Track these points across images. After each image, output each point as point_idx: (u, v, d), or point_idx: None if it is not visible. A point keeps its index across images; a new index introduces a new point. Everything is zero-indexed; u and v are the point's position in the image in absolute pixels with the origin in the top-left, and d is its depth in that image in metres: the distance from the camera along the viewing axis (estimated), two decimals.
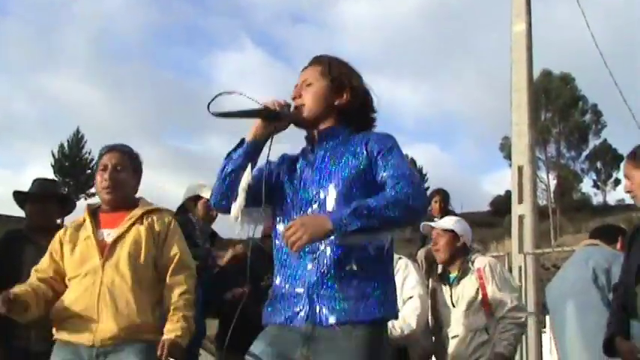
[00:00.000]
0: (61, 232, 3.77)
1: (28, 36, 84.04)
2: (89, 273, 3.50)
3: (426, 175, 56.45)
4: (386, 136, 2.70)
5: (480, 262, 4.60)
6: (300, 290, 2.56)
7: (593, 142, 52.55)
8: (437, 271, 8.20)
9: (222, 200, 2.72)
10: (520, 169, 8.95)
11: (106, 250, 3.52)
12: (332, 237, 2.44)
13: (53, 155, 50.72)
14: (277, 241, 2.72)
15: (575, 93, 50.61)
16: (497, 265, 4.64)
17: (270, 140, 2.69)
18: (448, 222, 4.91)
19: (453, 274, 4.68)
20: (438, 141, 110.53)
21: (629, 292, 3.50)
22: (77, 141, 51.60)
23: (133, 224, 3.60)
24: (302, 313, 2.54)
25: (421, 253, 8.58)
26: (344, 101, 2.74)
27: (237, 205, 2.65)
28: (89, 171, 51.00)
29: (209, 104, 2.50)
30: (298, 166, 2.77)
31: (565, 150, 52.03)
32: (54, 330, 3.57)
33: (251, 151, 2.69)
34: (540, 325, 8.58)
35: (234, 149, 2.73)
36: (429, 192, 9.45)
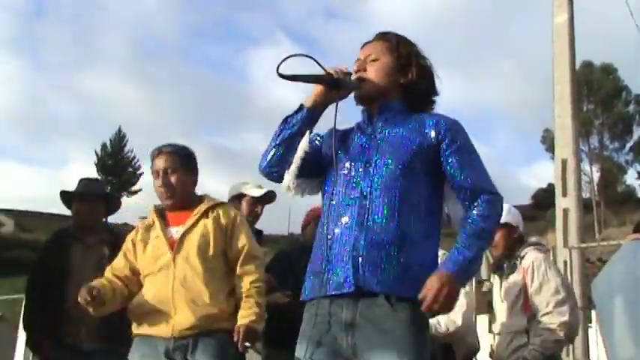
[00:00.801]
0: (132, 233, 3.86)
1: (66, 36, 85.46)
2: (162, 268, 3.60)
3: None
4: (456, 124, 2.65)
5: (528, 260, 4.40)
6: (345, 258, 2.46)
7: (638, 133, 51.70)
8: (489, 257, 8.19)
9: (273, 168, 2.69)
10: (564, 163, 8.82)
11: (175, 245, 3.62)
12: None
13: (96, 154, 51.41)
14: (326, 208, 2.63)
15: (617, 83, 49.79)
16: (542, 265, 4.38)
17: (335, 108, 2.65)
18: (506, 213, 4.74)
19: (505, 268, 4.55)
20: (474, 133, 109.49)
21: None
22: (119, 140, 52.25)
23: (199, 219, 3.68)
24: (347, 282, 2.44)
25: None
26: (409, 80, 2.69)
27: (291, 174, 2.64)
28: (131, 169, 51.72)
29: (278, 66, 2.48)
30: (353, 137, 2.70)
31: (608, 142, 51.22)
32: (133, 326, 3.67)
33: (310, 117, 2.65)
34: (587, 320, 8.45)
35: (292, 115, 2.67)
36: None
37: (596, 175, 49.49)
